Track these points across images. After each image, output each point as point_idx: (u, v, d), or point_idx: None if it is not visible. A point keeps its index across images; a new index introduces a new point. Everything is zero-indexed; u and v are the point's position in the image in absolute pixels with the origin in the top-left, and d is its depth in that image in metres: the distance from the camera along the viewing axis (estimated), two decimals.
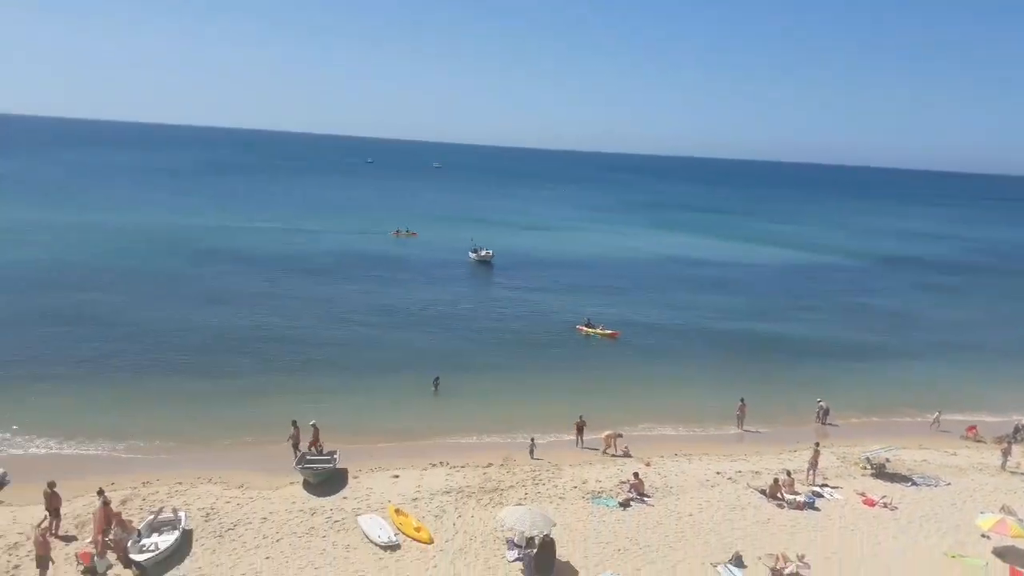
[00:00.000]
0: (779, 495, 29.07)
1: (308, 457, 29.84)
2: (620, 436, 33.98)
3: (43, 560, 21.29)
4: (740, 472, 31.90)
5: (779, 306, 68.59)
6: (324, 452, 30.34)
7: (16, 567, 22.05)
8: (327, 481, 28.77)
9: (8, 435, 31.63)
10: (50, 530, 23.45)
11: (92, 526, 23.82)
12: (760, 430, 37.88)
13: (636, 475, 29.54)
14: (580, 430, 34.40)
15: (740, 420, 37.99)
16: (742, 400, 38.24)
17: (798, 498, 28.94)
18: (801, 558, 23.73)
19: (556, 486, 29.67)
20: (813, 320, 63.77)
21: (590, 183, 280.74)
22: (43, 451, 30.76)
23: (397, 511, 26.33)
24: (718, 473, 31.67)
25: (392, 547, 24.13)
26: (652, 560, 24.09)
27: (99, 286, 59.14)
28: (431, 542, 24.68)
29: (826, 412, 39.68)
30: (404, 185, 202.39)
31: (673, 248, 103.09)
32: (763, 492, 29.52)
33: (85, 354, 42.57)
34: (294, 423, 31.55)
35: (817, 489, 30.29)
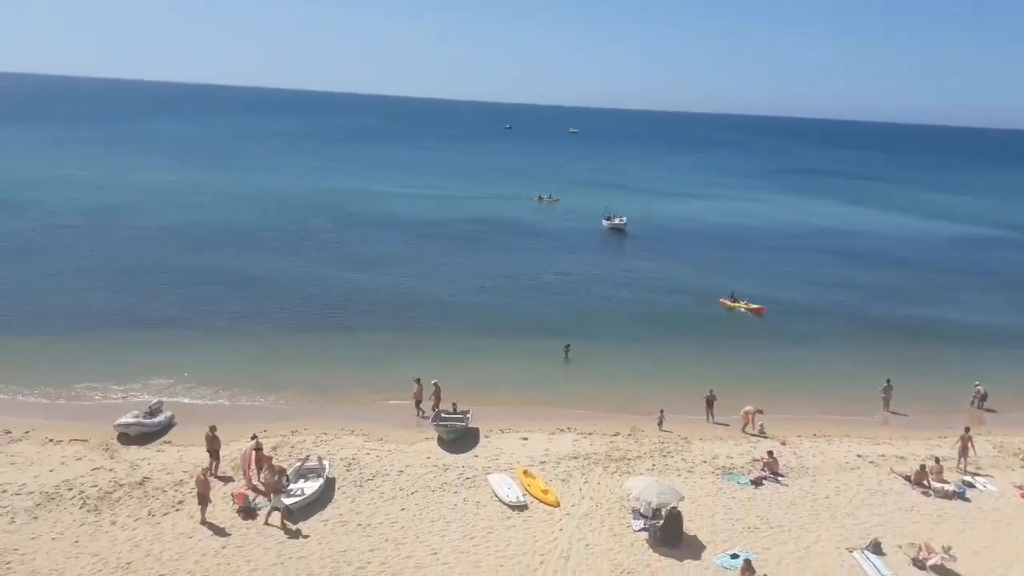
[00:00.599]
0: (925, 482, 27.40)
1: (443, 415, 31.01)
2: (760, 412, 32.96)
3: (203, 498, 23.39)
4: (883, 456, 30.29)
5: (935, 283, 63.99)
6: (458, 411, 31.40)
7: (180, 502, 24.38)
8: (460, 439, 29.86)
9: (176, 382, 34.76)
10: (210, 470, 25.73)
11: (244, 467, 25.95)
12: (908, 414, 35.62)
13: (770, 453, 28.72)
14: (710, 404, 33.71)
15: (886, 402, 35.91)
16: (888, 381, 36.11)
17: (947, 487, 27.17)
18: (947, 550, 22.34)
19: (685, 459, 29.36)
20: (972, 298, 59.11)
21: (734, 147, 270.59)
22: (205, 400, 33.55)
23: (525, 472, 26.97)
24: (859, 456, 30.22)
25: (520, 507, 24.79)
26: (783, 541, 23.47)
27: (253, 246, 63.58)
28: (558, 505, 25.16)
29: (983, 397, 36.79)
30: (542, 151, 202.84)
31: (819, 218, 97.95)
32: (908, 478, 27.92)
33: (242, 310, 46.08)
34: (417, 380, 32.71)
35: (968, 479, 28.29)
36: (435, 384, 32.52)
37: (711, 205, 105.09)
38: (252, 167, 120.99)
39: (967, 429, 30.41)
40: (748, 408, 32.94)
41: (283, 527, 23.05)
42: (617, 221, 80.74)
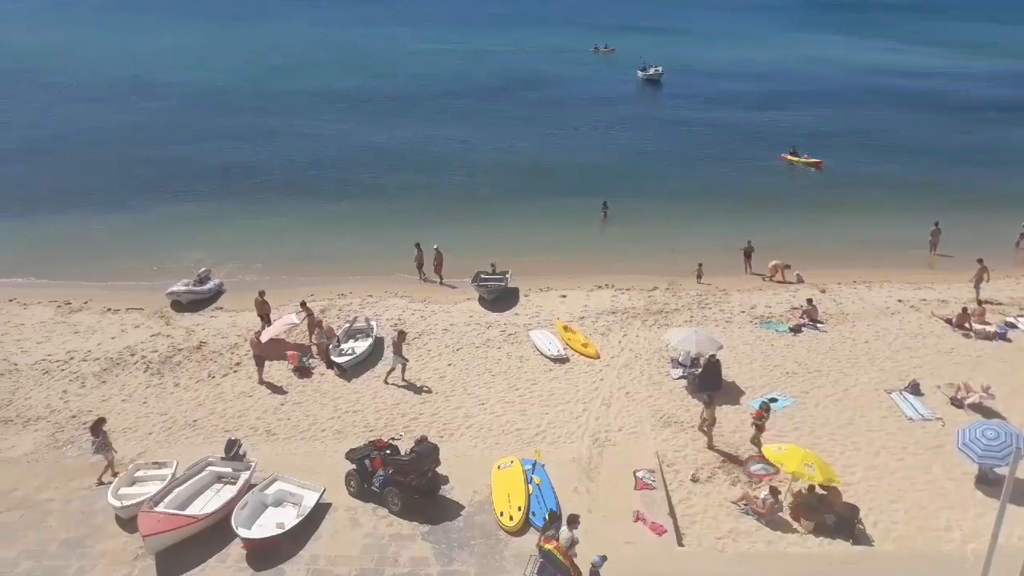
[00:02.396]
0: (967, 324, 27.40)
1: (483, 275, 31.43)
2: (788, 267, 32.81)
3: (259, 359, 24.43)
4: (924, 300, 30.22)
5: (988, 118, 61.33)
6: (497, 272, 31.74)
7: (237, 364, 25.53)
8: (500, 298, 30.40)
9: (221, 250, 35.41)
10: (260, 333, 26.74)
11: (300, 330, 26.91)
12: (953, 255, 35.00)
13: (810, 301, 28.82)
14: (748, 255, 33.54)
15: (933, 245, 35.35)
16: (936, 224, 35.35)
17: (988, 328, 27.17)
18: (986, 389, 22.65)
19: (723, 310, 29.64)
20: None
21: None
22: (251, 265, 34.32)
23: (565, 328, 27.56)
24: (900, 301, 30.20)
25: (561, 360, 25.52)
26: (821, 384, 23.97)
27: (278, 109, 62.99)
28: (597, 357, 25.83)
29: None
30: None
31: (870, 56, 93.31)
32: (949, 321, 27.93)
33: (275, 178, 46.47)
34: (417, 245, 32.56)
35: (1012, 320, 28.21)
36: (436, 249, 32.39)
37: (752, 49, 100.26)
38: (267, 23, 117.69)
39: (980, 261, 30.24)
40: (775, 262, 32.80)
41: (395, 380, 24.12)
42: (652, 71, 77.81)
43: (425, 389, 23.86)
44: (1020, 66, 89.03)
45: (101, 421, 19.50)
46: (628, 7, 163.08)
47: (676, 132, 58.19)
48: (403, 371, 24.30)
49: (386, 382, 24.25)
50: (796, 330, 27.62)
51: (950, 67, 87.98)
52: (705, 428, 20.81)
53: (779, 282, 32.45)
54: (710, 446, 20.62)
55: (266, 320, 27.68)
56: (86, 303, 29.96)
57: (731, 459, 20.20)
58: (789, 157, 50.37)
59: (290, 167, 48.29)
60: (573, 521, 15.56)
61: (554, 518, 16.77)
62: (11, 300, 30.05)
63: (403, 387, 23.93)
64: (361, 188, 44.58)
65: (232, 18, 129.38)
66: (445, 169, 48.20)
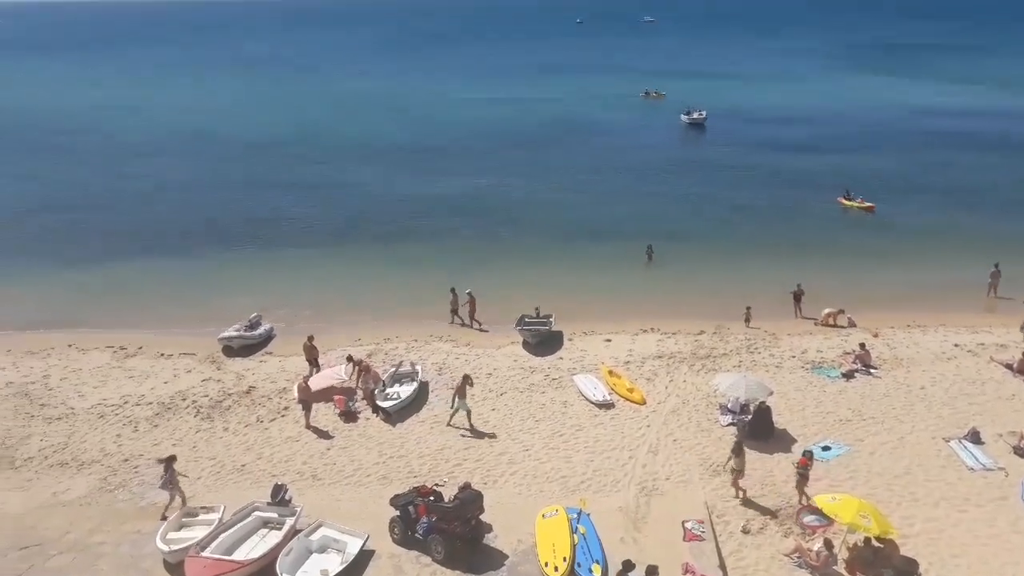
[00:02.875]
0: None
1: (527, 319, 31.43)
2: (842, 312, 32.10)
3: (306, 404, 24.71)
4: (983, 345, 29.27)
5: None
6: (541, 315, 31.71)
7: (285, 408, 25.84)
8: (544, 342, 30.35)
9: (272, 296, 36.03)
10: (309, 378, 27.07)
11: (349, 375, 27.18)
12: (1013, 297, 33.79)
13: (862, 345, 28.13)
14: (798, 299, 32.94)
15: (992, 287, 34.27)
16: (996, 266, 34.35)
17: None
18: None
19: (773, 355, 29.09)
20: None
21: (809, 24, 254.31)
22: (300, 312, 34.75)
23: (610, 372, 27.33)
24: (956, 346, 29.29)
25: (606, 405, 25.25)
26: (876, 432, 23.25)
27: (330, 158, 64.74)
28: (644, 403, 25.49)
29: None
30: (620, 43, 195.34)
31: (920, 98, 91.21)
32: (1009, 366, 26.95)
33: (325, 225, 47.39)
34: (452, 290, 32.76)
35: None
36: (468, 294, 32.47)
37: (798, 92, 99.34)
38: (315, 77, 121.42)
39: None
40: (829, 310, 32.10)
41: (459, 423, 24.14)
42: (696, 115, 77.89)
43: (469, 434, 23.80)
44: None
45: (172, 459, 20.13)
46: (672, 53, 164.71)
47: (721, 175, 57.91)
48: (468, 416, 24.30)
49: (449, 424, 24.30)
50: (849, 376, 26.93)
51: (1003, 107, 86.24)
52: (732, 479, 20.21)
53: (830, 326, 31.76)
54: (738, 495, 20.08)
55: (315, 364, 28.06)
56: (140, 348, 30.77)
57: (783, 510, 19.61)
58: (843, 200, 49.26)
59: (337, 215, 49.32)
60: (628, 567, 15.28)
61: (628, 567, 16.20)
62: (70, 345, 31.04)
63: (462, 432, 23.91)
64: (408, 234, 45.17)
65: (281, 73, 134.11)
66: (489, 214, 48.64)
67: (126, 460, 22.78)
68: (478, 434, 23.82)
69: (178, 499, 19.85)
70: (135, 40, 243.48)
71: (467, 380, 24.48)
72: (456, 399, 24.12)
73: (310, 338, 28.34)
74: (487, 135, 74.16)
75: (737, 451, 20.05)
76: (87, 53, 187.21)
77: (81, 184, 58.00)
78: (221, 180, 58.58)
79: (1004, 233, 42.44)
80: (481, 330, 32.21)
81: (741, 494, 20.13)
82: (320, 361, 28.24)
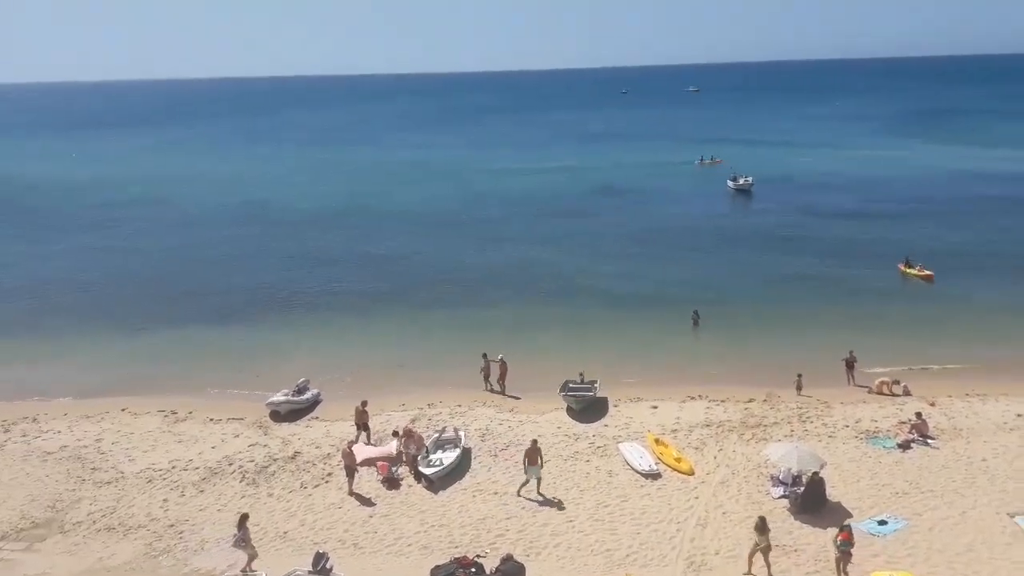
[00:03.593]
0: None
1: (571, 385, 31.18)
2: (897, 383, 31.13)
3: (350, 470, 24.70)
4: None
5: None
6: (585, 381, 31.43)
7: (329, 474, 25.86)
8: (588, 408, 29.98)
9: (319, 361, 36.50)
10: (356, 442, 27.17)
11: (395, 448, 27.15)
12: None
13: (919, 415, 27.13)
14: (850, 366, 32.07)
15: None
16: None
17: None
18: None
19: (825, 424, 28.23)
20: None
21: (851, 92, 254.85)
22: (346, 377, 35.06)
23: (657, 441, 26.78)
24: (1019, 416, 28.04)
25: (653, 475, 24.68)
26: (935, 506, 22.21)
27: (381, 227, 66.10)
28: (692, 473, 24.86)
29: None
30: (666, 113, 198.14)
31: (968, 163, 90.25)
32: None
33: (374, 289, 48.23)
34: (484, 356, 32.72)
35: None
36: (501, 359, 32.41)
37: (842, 158, 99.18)
38: (375, 152, 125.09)
39: None
40: (883, 379, 31.19)
41: (528, 494, 23.79)
42: (743, 181, 77.93)
43: (512, 503, 23.44)
44: None
45: (245, 516, 20.60)
46: (716, 121, 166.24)
47: (769, 241, 57.41)
48: (538, 484, 23.97)
49: (519, 494, 23.92)
50: (905, 446, 25.93)
51: None
52: (761, 556, 19.33)
53: (885, 395, 30.77)
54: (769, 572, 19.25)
55: (364, 428, 28.27)
56: (191, 413, 31.29)
57: None
58: (903, 268, 47.84)
59: (385, 282, 50.07)
60: None
61: None
62: (123, 410, 31.73)
63: (491, 500, 23.60)
64: (455, 301, 45.47)
65: (330, 145, 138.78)
66: (536, 280, 48.94)
67: (171, 525, 22.96)
68: (538, 503, 23.42)
69: (251, 557, 20.22)
70: (195, 116, 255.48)
71: (535, 446, 24.13)
72: (527, 466, 23.82)
73: (363, 403, 28.59)
74: (535, 203, 75.15)
75: (761, 528, 19.28)
76: (144, 127, 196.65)
77: (139, 254, 60.15)
78: (272, 249, 60.25)
79: None
80: (512, 396, 31.98)
81: (767, 572, 19.29)
82: (370, 425, 28.37)
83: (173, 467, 26.71)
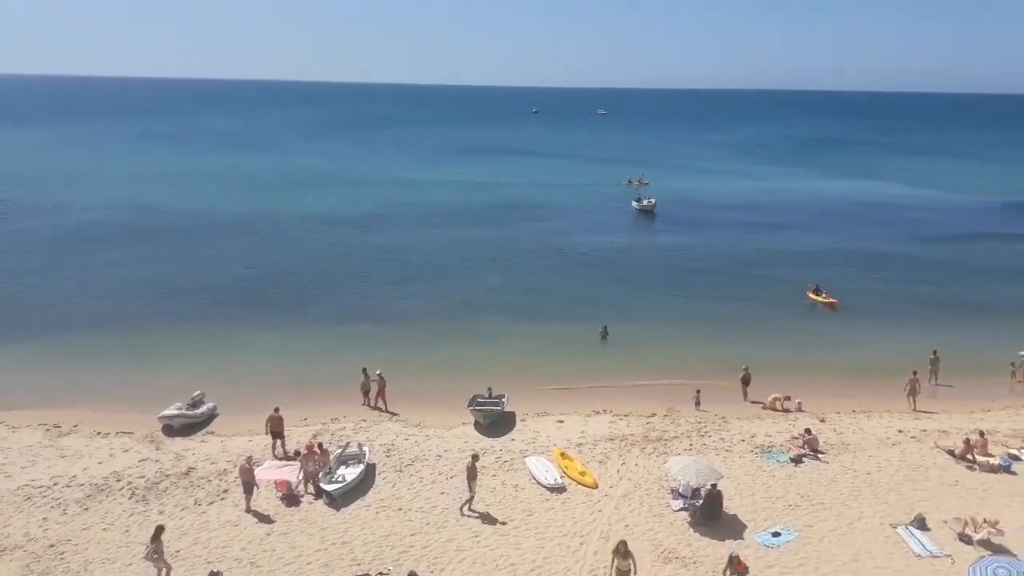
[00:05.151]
0: (970, 456, 26.92)
1: (479, 399, 31.13)
2: (788, 399, 32.60)
3: (248, 486, 23.81)
4: (925, 431, 29.83)
5: (980, 254, 62.53)
6: (494, 395, 31.45)
7: (225, 491, 24.85)
8: (496, 423, 30.03)
9: (215, 374, 35.08)
10: (273, 452, 27.05)
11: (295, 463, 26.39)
12: (953, 385, 34.80)
13: (808, 431, 28.43)
14: (746, 383, 33.41)
15: (933, 374, 35.16)
16: (935, 352, 35.37)
17: (992, 460, 26.68)
18: (994, 524, 21.97)
19: (723, 438, 29.19)
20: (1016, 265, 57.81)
21: (752, 120, 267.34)
22: (244, 390, 33.85)
23: (562, 454, 27.05)
24: (900, 431, 29.80)
25: (558, 489, 24.88)
26: (825, 518, 23.26)
27: (283, 236, 64.41)
28: (596, 487, 25.20)
29: None
30: (575, 134, 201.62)
31: (853, 191, 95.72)
32: (951, 453, 27.45)
33: (274, 301, 46.76)
34: (364, 371, 32.54)
35: (1015, 452, 27.74)
36: (379, 375, 32.17)
37: (741, 183, 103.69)
38: (280, 156, 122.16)
39: (914, 372, 32.69)
40: (776, 395, 32.63)
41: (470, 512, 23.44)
42: (646, 203, 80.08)
43: (416, 519, 23.13)
44: (999, 199, 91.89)
45: (160, 529, 20.12)
46: (624, 144, 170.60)
47: (672, 261, 59.14)
48: (468, 503, 23.69)
49: (462, 512, 23.54)
50: (797, 460, 27.11)
51: (934, 199, 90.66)
52: None
53: (777, 411, 32.11)
54: None
55: (278, 437, 27.58)
56: (75, 426, 29.53)
57: None
58: (811, 295, 48.82)
59: (287, 291, 48.77)
60: None
61: None
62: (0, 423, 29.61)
63: (395, 516, 23.21)
64: (359, 313, 44.81)
65: (238, 151, 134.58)
66: (442, 293, 48.70)
67: (52, 546, 21.51)
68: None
69: (164, 571, 19.53)
70: (87, 114, 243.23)
71: (475, 460, 23.98)
72: (469, 483, 23.57)
73: (276, 409, 27.81)
74: (443, 216, 75.08)
75: (623, 553, 19.47)
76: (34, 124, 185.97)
77: (20, 256, 56.60)
78: (165, 254, 57.79)
79: (942, 318, 44.15)
80: (390, 412, 31.65)
81: None
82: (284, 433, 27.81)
83: (55, 484, 25.08)
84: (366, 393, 32.34)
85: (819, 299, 48.43)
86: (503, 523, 22.98)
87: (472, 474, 23.61)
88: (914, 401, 32.45)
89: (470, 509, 23.65)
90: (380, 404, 32.05)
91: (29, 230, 65.20)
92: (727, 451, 28.06)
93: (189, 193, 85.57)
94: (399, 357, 37.23)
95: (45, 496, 24.30)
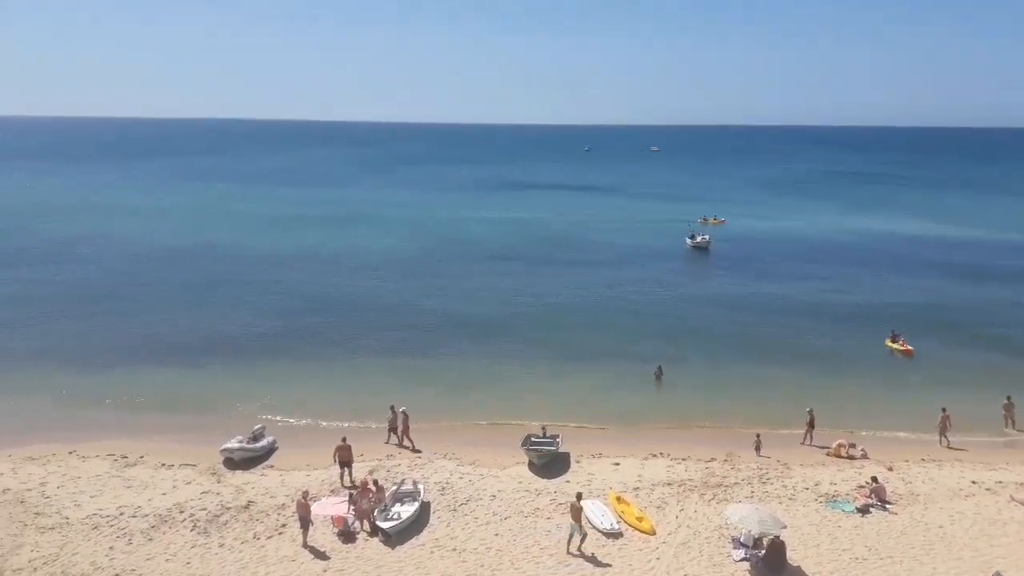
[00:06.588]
0: None
1: (533, 439, 30.95)
2: (853, 446, 31.55)
3: (304, 521, 24.03)
4: (1001, 483, 28.48)
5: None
6: (548, 435, 31.24)
7: (283, 525, 25.10)
8: (550, 463, 29.73)
9: (277, 408, 35.83)
10: (342, 482, 27.61)
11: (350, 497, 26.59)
12: None
13: (875, 479, 27.44)
14: (811, 425, 32.44)
15: (1008, 420, 33.69)
16: (1008, 398, 33.94)
17: None
18: None
19: (785, 486, 28.36)
20: None
21: (800, 157, 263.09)
22: (304, 424, 34.52)
23: (619, 499, 26.61)
24: (973, 482, 28.53)
25: (614, 535, 24.46)
26: (895, 573, 22.32)
27: (340, 271, 65.57)
28: (653, 533, 24.69)
29: None
30: (635, 170, 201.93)
31: (910, 229, 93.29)
32: None
33: (333, 337, 47.36)
34: (392, 408, 32.66)
35: None
36: (403, 412, 32.08)
37: (790, 219, 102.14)
38: (340, 197, 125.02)
39: (944, 409, 32.27)
40: (840, 441, 31.61)
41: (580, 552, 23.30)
42: (700, 239, 79.46)
43: (470, 560, 22.96)
44: None
45: None
46: (678, 181, 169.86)
47: (727, 298, 58.19)
48: (582, 542, 23.50)
49: (568, 552, 23.39)
50: (864, 511, 26.15)
51: (1000, 239, 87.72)
52: None
53: (843, 457, 31.11)
54: None
55: (346, 466, 28.08)
56: (142, 457, 30.29)
57: None
58: (889, 342, 46.53)
59: (346, 328, 49.40)
60: None
61: None
62: (71, 452, 30.62)
63: (449, 556, 23.09)
64: (414, 350, 45.00)
65: (284, 187, 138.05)
66: (498, 332, 48.71)
67: (117, 575, 21.97)
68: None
69: None
70: (138, 154, 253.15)
71: (580, 499, 23.98)
72: (577, 522, 23.49)
73: (344, 439, 28.40)
74: (500, 252, 75.71)
75: None
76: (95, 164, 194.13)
77: (86, 290, 58.77)
78: (230, 291, 59.26)
79: (1014, 367, 42.21)
80: (414, 450, 31.55)
81: None
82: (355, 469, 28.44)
83: (121, 513, 25.71)
84: (392, 430, 32.47)
85: (896, 347, 46.25)
86: (557, 568, 22.63)
87: (576, 514, 23.42)
88: (946, 439, 32.09)
89: (579, 549, 23.39)
90: (407, 442, 32.04)
91: (91, 267, 67.85)
92: (790, 499, 27.24)
93: (247, 229, 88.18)
94: (451, 395, 37.40)
95: (112, 525, 24.91)
